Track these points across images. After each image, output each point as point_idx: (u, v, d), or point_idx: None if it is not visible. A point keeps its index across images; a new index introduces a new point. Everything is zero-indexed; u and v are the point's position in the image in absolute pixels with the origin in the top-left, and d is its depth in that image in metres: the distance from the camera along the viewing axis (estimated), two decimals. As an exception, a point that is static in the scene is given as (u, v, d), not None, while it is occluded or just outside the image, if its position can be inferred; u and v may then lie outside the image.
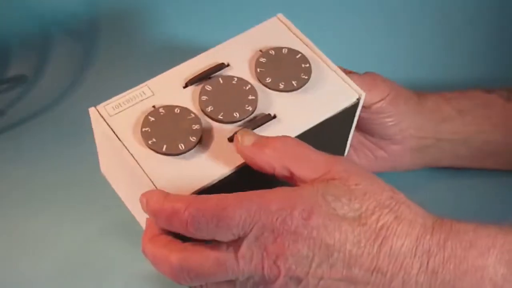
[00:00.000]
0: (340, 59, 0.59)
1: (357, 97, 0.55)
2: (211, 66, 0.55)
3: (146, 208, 0.47)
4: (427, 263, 0.44)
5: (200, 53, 0.56)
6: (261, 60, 0.55)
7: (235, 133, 0.51)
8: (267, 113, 0.53)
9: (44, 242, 0.59)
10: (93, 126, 0.54)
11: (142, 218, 0.53)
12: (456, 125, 0.65)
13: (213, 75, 0.54)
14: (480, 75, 0.83)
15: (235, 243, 0.46)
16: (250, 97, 0.53)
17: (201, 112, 0.53)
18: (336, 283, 0.45)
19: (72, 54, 0.91)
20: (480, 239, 0.45)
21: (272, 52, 0.56)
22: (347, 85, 0.55)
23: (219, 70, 0.54)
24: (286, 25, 0.59)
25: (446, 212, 0.47)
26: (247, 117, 0.53)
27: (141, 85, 0.54)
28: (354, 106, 0.56)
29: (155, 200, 0.47)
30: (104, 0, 0.94)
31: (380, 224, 0.45)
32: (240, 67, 0.55)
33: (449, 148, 0.65)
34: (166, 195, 0.47)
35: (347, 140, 0.60)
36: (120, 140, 0.51)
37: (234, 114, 0.52)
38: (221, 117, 0.52)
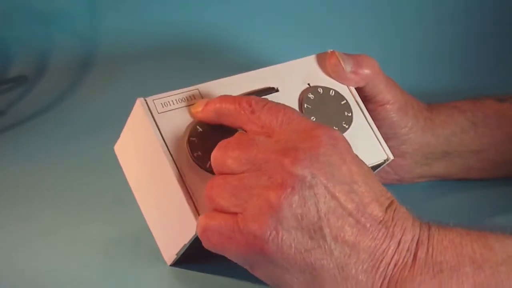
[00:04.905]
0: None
1: (385, 158, 0.57)
2: (262, 87, 0.55)
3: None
4: (419, 234, 0.46)
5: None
6: (309, 96, 0.56)
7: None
8: None
9: (44, 241, 0.59)
10: (135, 117, 0.52)
11: (149, 210, 0.53)
12: (468, 137, 0.64)
13: (262, 96, 0.54)
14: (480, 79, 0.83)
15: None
16: None
17: None
18: (346, 217, 0.45)
19: (72, 54, 0.91)
20: (458, 227, 0.47)
21: (320, 90, 0.57)
22: (379, 144, 0.57)
23: (269, 93, 0.55)
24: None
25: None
26: None
27: (191, 87, 0.53)
28: (379, 165, 0.57)
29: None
30: (104, 1, 0.94)
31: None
32: (288, 96, 0.56)
33: (459, 161, 0.65)
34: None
35: None
36: (166, 144, 0.50)
37: None
38: None
